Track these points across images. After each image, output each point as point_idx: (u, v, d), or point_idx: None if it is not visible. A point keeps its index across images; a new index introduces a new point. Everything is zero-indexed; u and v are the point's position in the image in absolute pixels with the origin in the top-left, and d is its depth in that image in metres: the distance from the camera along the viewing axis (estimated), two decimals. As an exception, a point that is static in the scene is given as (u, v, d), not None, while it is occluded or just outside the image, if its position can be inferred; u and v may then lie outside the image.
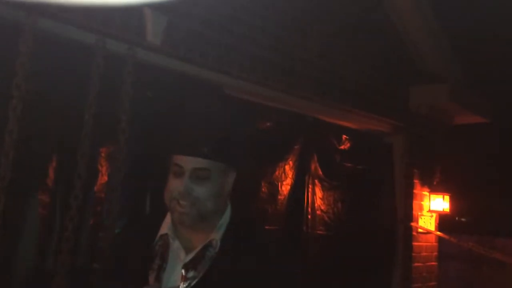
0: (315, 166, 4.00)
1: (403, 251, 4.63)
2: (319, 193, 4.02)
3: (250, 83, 3.32)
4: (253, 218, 2.50)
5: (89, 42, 2.55)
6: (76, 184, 2.47)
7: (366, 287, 4.25)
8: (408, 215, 4.67)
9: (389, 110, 4.47)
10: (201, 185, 1.45)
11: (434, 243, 4.97)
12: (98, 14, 2.48)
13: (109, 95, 2.60)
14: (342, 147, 4.28)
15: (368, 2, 4.39)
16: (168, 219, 1.53)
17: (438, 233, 4.93)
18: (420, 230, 4.73)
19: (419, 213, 4.77)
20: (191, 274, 1.44)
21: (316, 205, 3.98)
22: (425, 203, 4.84)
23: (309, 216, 3.92)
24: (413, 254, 4.65)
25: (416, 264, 4.67)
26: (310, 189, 3.94)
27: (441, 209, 4.83)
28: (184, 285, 1.43)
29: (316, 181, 4.00)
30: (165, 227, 1.52)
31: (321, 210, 4.02)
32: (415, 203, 4.72)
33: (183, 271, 1.45)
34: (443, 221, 5.13)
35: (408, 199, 4.69)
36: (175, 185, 1.47)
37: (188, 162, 1.46)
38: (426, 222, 4.82)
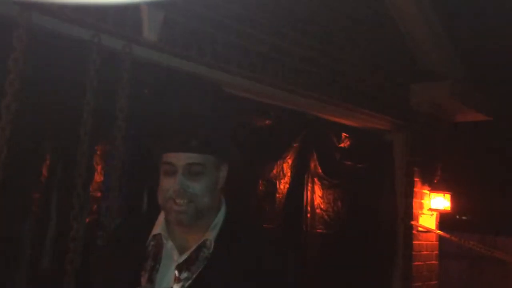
0: (314, 164, 3.98)
1: (403, 249, 4.61)
2: (318, 191, 3.99)
3: (249, 80, 3.29)
4: (249, 216, 2.47)
5: (84, 38, 2.52)
6: (77, 183, 2.44)
7: (366, 286, 4.23)
8: (408, 214, 4.64)
9: (389, 108, 4.44)
10: (196, 180, 1.42)
11: (435, 242, 4.94)
12: (93, 10, 2.45)
13: (105, 92, 2.57)
14: (342, 145, 4.25)
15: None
16: (161, 219, 1.51)
17: (439, 231, 4.91)
18: (420, 228, 4.70)
19: (420, 212, 4.74)
20: (184, 275, 1.41)
21: (315, 203, 3.96)
22: (426, 202, 4.81)
23: (309, 215, 3.90)
24: (414, 252, 4.62)
25: (416, 263, 4.65)
26: (309, 188, 3.92)
27: (441, 208, 4.81)
28: (177, 286, 1.41)
29: (316, 179, 3.98)
30: (158, 227, 1.49)
31: (321, 209, 4.00)
32: (415, 201, 4.69)
33: (176, 272, 1.42)
34: (444, 219, 5.11)
35: (408, 197, 4.66)
36: (168, 184, 1.43)
37: (179, 159, 1.42)
38: (427, 220, 4.79)
